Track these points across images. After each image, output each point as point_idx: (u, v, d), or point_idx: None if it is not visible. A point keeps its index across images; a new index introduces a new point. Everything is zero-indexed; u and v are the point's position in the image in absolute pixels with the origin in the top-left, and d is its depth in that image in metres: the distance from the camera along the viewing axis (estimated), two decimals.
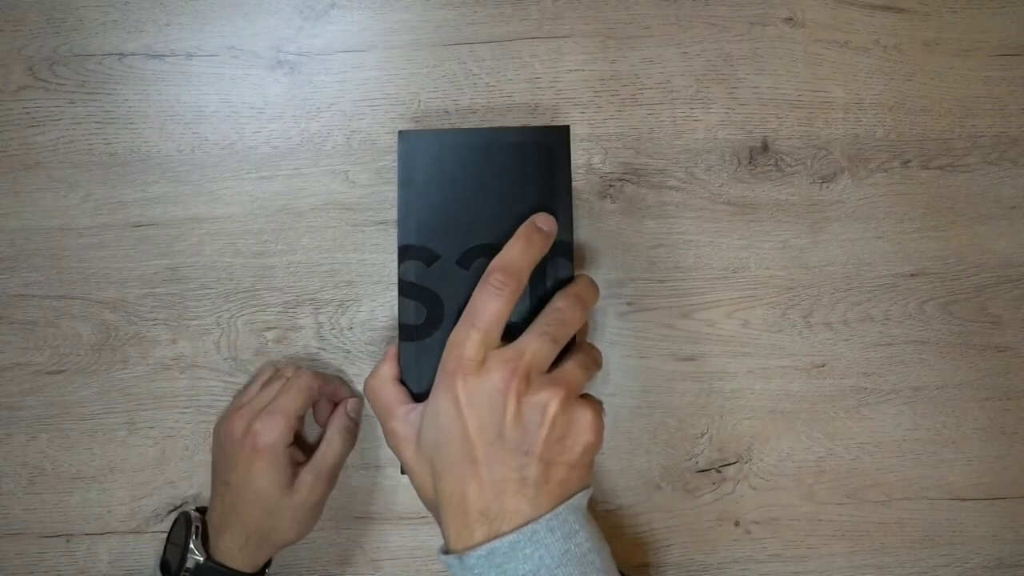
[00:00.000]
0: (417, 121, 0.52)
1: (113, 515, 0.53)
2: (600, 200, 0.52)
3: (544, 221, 0.40)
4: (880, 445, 0.53)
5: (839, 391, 0.53)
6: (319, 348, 0.52)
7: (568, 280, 0.41)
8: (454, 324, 0.38)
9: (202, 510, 0.51)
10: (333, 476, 0.48)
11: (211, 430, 0.51)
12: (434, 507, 0.37)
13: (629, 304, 0.52)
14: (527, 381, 0.36)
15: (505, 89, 0.52)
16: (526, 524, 0.35)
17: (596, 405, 0.38)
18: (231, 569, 0.46)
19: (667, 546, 0.53)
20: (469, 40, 0.52)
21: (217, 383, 0.52)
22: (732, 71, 0.52)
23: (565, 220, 0.41)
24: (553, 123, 0.41)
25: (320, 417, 0.51)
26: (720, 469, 0.53)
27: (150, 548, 0.53)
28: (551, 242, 0.40)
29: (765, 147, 0.52)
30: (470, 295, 0.38)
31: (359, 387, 0.52)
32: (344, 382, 0.52)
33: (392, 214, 0.52)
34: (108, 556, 0.53)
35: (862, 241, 0.53)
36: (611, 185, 0.52)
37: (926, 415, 0.53)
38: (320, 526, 0.49)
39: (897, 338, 0.53)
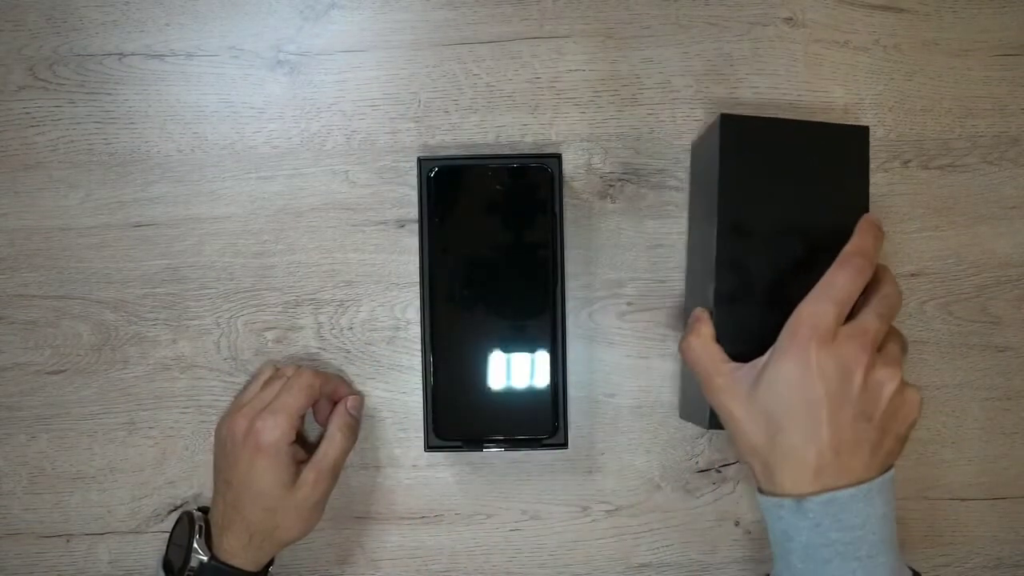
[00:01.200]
0: (417, 121, 0.52)
1: (113, 515, 0.53)
2: (600, 200, 0.52)
3: (877, 220, 0.44)
4: None
5: None
6: (319, 348, 0.52)
7: None
8: (765, 297, 0.44)
9: (204, 510, 0.51)
10: (335, 473, 0.48)
11: (211, 430, 0.51)
12: (759, 454, 0.41)
13: (629, 304, 0.52)
14: (873, 358, 0.40)
15: (505, 89, 0.52)
16: (860, 483, 0.39)
17: (918, 388, 0.42)
18: (235, 568, 0.46)
19: (667, 546, 0.53)
20: (469, 40, 0.52)
21: (217, 383, 0.52)
22: (732, 71, 0.52)
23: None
24: (727, 113, 0.45)
25: (320, 416, 0.51)
26: (720, 469, 0.53)
27: (150, 548, 0.53)
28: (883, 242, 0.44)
29: None
30: (777, 271, 0.44)
31: (359, 386, 0.52)
32: (344, 381, 0.52)
33: (392, 213, 0.52)
34: (108, 556, 0.53)
35: None
36: (611, 185, 0.52)
37: (926, 415, 0.53)
38: (320, 526, 0.49)
39: None
